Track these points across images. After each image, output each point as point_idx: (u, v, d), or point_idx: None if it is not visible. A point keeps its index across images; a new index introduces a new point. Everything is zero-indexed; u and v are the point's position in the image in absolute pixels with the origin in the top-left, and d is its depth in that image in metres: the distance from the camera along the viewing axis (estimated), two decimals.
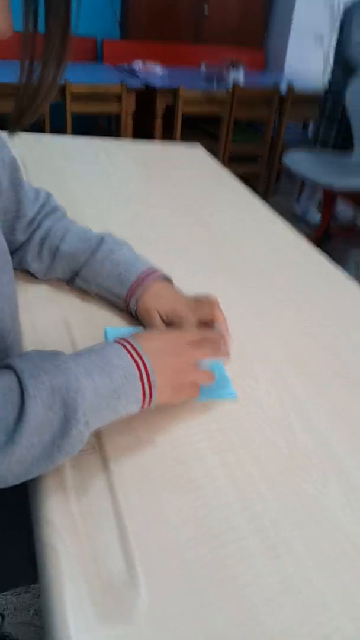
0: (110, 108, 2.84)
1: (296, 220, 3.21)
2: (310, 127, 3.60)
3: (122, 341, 0.51)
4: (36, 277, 0.74)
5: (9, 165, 0.65)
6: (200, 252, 0.91)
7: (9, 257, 0.54)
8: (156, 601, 0.40)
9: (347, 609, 0.41)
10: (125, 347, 0.50)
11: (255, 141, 3.36)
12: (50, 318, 0.68)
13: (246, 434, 0.56)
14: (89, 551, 0.42)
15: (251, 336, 0.71)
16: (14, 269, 0.73)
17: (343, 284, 0.89)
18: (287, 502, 0.49)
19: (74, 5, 0.40)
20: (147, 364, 0.49)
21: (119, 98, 2.79)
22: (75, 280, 0.72)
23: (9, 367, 0.44)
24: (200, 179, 1.24)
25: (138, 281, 0.68)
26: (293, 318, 0.77)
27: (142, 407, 0.50)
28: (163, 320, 0.67)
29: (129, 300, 0.69)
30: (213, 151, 3.19)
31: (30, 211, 0.71)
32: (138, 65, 3.17)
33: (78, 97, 2.70)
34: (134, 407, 0.49)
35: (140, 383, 0.49)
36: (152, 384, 0.49)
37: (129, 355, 0.49)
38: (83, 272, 0.71)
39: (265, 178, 3.51)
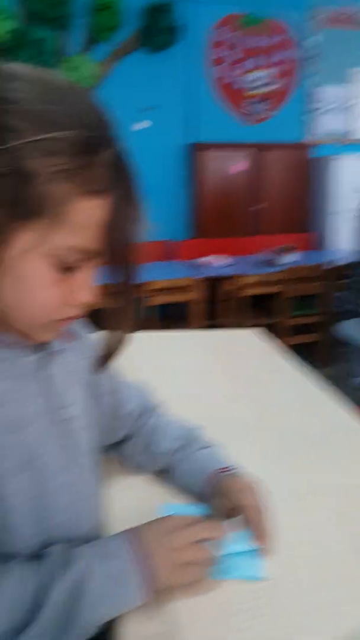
0: (184, 297, 3.36)
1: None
2: None
3: (128, 534, 0.58)
4: (119, 472, 0.84)
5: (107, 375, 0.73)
6: (257, 434, 1.00)
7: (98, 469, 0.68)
8: None
9: None
10: (129, 538, 0.57)
11: (312, 313, 3.69)
12: (133, 512, 0.71)
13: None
14: None
15: (305, 513, 0.76)
16: (112, 457, 0.83)
17: None
18: None
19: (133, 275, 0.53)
20: (146, 550, 0.55)
21: (190, 288, 3.30)
22: (163, 473, 0.81)
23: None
24: (259, 361, 1.42)
25: (211, 478, 0.73)
26: (349, 495, 0.80)
27: (146, 591, 0.54)
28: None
29: (204, 495, 0.74)
30: (274, 325, 3.55)
31: (129, 408, 0.80)
32: (207, 259, 3.77)
33: (156, 291, 3.24)
34: (138, 595, 0.53)
35: (139, 568, 0.54)
36: (151, 568, 0.54)
37: (129, 546, 0.55)
38: (170, 468, 0.79)
39: (324, 346, 3.75)
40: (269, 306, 3.76)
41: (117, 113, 0.49)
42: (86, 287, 0.51)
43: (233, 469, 0.75)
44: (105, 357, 0.59)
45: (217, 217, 4.31)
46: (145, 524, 0.60)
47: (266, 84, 4.39)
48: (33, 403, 0.57)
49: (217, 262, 3.74)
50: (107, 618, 0.53)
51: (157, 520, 0.61)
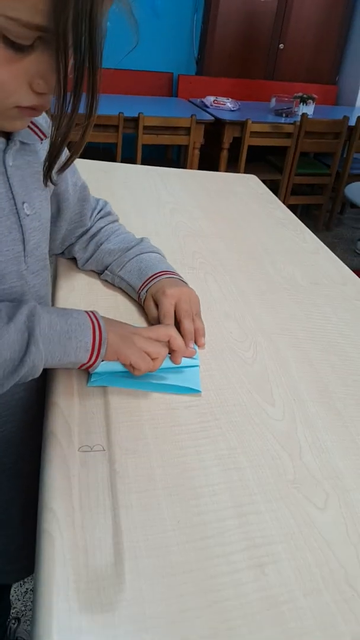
0: (179, 140, 2.96)
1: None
2: None
3: (88, 311, 0.60)
4: (76, 268, 0.85)
5: (79, 188, 0.78)
6: (236, 273, 0.94)
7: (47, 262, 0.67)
8: (137, 598, 0.41)
9: (328, 638, 0.41)
10: (87, 312, 0.59)
11: (321, 173, 3.36)
12: (79, 306, 0.72)
13: (253, 448, 0.56)
14: (82, 542, 0.44)
15: (272, 352, 0.72)
16: (65, 257, 0.88)
17: None
18: (283, 521, 0.49)
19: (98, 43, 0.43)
20: (101, 325, 0.59)
21: (188, 131, 2.90)
22: (104, 272, 0.83)
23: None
24: (250, 207, 1.27)
25: (153, 277, 0.76)
26: (319, 340, 0.77)
27: (91, 357, 0.57)
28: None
29: (140, 291, 0.77)
30: (277, 182, 3.24)
31: (90, 221, 0.83)
32: (210, 99, 3.29)
33: (150, 129, 2.84)
34: (83, 355, 0.57)
35: (91, 333, 0.57)
36: (102, 339, 0.58)
37: (87, 316, 0.59)
38: (112, 266, 0.81)
39: (329, 209, 3.49)
40: (275, 161, 3.40)
41: None
42: (40, 74, 0.46)
43: (173, 274, 0.77)
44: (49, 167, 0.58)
45: (230, 53, 3.68)
46: (107, 318, 0.62)
47: None
48: None
49: (222, 105, 3.26)
50: (52, 365, 0.56)
51: (120, 322, 0.64)
